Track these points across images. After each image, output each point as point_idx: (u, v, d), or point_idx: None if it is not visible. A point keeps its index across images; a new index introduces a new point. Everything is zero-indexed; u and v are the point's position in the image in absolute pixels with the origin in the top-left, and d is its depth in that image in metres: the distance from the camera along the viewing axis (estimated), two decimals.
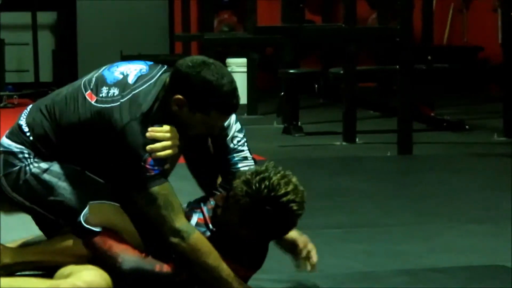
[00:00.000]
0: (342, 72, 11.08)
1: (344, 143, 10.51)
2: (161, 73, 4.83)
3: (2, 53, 14.71)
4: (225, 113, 4.92)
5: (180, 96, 4.65)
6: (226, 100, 4.81)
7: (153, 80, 4.85)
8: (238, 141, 5.25)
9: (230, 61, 14.98)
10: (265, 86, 15.43)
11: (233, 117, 5.19)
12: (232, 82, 4.83)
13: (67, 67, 15.64)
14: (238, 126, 5.23)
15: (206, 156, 5.30)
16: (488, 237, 6.95)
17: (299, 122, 12.21)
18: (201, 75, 4.69)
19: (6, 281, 4.96)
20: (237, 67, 15.25)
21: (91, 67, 15.28)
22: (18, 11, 15.10)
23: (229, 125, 5.20)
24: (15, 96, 14.21)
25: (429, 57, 11.72)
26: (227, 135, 5.21)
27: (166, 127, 4.77)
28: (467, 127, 11.51)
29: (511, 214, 7.42)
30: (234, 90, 4.83)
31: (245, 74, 14.97)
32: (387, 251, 6.22)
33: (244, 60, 14.92)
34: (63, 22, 15.79)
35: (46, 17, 15.53)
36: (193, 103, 4.75)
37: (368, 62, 12.85)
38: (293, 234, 4.98)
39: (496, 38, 14.53)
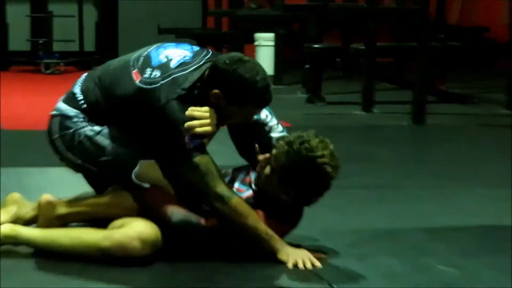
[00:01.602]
0: (362, 48, 10.99)
1: (362, 113, 10.51)
2: (202, 63, 5.07)
3: (50, 24, 14.73)
4: (259, 106, 5.16)
5: (217, 91, 4.92)
6: (260, 95, 5.05)
7: (193, 68, 5.05)
8: (270, 118, 5.43)
9: (259, 35, 14.92)
10: (290, 59, 15.35)
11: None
12: (266, 78, 5.06)
13: (109, 38, 15.69)
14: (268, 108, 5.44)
15: (245, 130, 5.39)
16: (499, 201, 6.85)
17: (321, 93, 12.21)
18: (238, 72, 4.95)
19: (63, 230, 5.08)
20: (265, 41, 15.20)
21: (131, 38, 15.50)
22: None
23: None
24: (61, 63, 14.29)
25: (442, 36, 11.67)
26: (262, 118, 5.41)
27: (205, 108, 4.98)
28: (475, 100, 11.47)
29: None
30: (267, 86, 5.06)
31: (272, 48, 14.96)
32: (408, 211, 6.29)
33: (271, 35, 14.86)
34: None
35: None
36: (230, 97, 4.99)
37: (386, 39, 12.74)
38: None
39: (500, 19, 14.51)
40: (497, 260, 5.22)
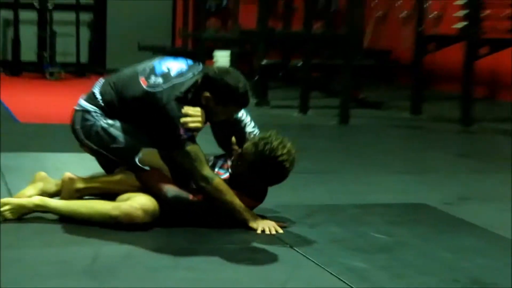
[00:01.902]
0: (300, 64, 11.01)
1: (300, 114, 10.49)
2: (195, 74, 5.19)
3: (54, 40, 14.64)
4: (240, 107, 5.33)
5: (208, 94, 5.08)
6: (241, 98, 5.22)
7: (188, 77, 5.16)
8: (245, 116, 5.52)
9: (217, 53, 14.42)
10: (243, 72, 15.06)
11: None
12: (246, 85, 5.19)
13: (99, 52, 15.61)
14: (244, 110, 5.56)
15: (224, 126, 5.49)
16: (413, 184, 6.93)
17: (267, 98, 12.21)
18: (224, 80, 5.10)
19: (81, 202, 5.19)
20: (222, 58, 14.78)
21: (116, 53, 15.30)
22: (67, 11, 15.00)
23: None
24: (62, 72, 14.19)
25: (359, 56, 11.76)
26: (239, 116, 5.51)
27: (197, 108, 5.09)
28: (385, 106, 11.53)
29: (426, 167, 7.77)
30: (246, 91, 5.22)
31: (229, 63, 14.41)
32: (344, 190, 6.33)
33: (228, 53, 14.48)
34: (97, 20, 15.61)
35: (85, 16, 15.33)
36: (217, 99, 5.16)
37: (318, 56, 12.72)
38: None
39: (402, 44, 14.54)
40: (416, 229, 5.36)
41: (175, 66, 5.28)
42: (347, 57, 10.09)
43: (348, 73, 10.01)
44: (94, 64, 15.02)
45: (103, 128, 5.19)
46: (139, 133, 5.25)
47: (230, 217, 5.10)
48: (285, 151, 4.98)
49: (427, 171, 7.58)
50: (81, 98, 5.41)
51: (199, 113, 5.05)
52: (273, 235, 4.98)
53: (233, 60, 14.59)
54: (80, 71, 14.42)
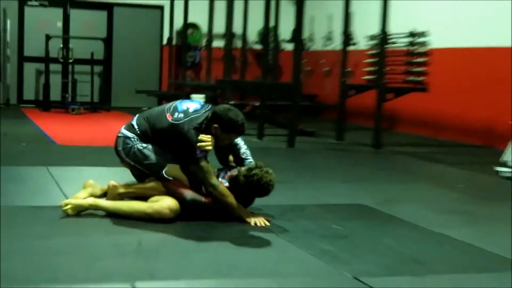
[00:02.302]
0: (258, 104, 10.96)
1: (258, 140, 10.30)
2: (206, 111, 5.22)
3: (75, 85, 14.45)
4: (239, 134, 5.38)
5: (216, 125, 5.12)
6: (240, 128, 5.27)
7: (201, 112, 5.20)
8: (240, 141, 5.52)
9: (194, 96, 14.09)
10: None
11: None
12: (243, 119, 5.27)
13: (106, 94, 15.35)
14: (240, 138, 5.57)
15: (224, 148, 5.46)
16: (350, 189, 6.86)
17: None
18: (228, 115, 5.19)
19: (122, 202, 5.23)
20: (198, 99, 14.12)
21: (119, 95, 14.89)
22: (84, 64, 14.73)
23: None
24: (81, 108, 13.98)
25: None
26: (236, 142, 5.50)
27: (208, 136, 5.12)
28: (317, 134, 11.46)
29: (356, 177, 7.61)
30: (243, 123, 5.26)
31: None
32: (302, 194, 6.27)
33: (203, 96, 13.86)
34: (105, 71, 15.40)
35: (97, 68, 15.09)
36: (223, 129, 5.19)
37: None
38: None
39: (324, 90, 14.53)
40: (362, 222, 5.42)
41: (191, 105, 5.33)
42: (294, 99, 10.03)
43: (294, 111, 9.93)
44: (103, 103, 14.78)
45: (139, 149, 5.25)
46: (164, 153, 5.27)
47: (231, 214, 5.11)
48: (268, 178, 5.03)
49: (357, 180, 7.46)
50: (122, 128, 5.46)
51: (210, 139, 5.09)
52: (263, 226, 5.02)
53: (206, 101, 14.08)
54: (93, 108, 14.16)
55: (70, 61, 14.48)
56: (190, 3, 14.73)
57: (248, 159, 5.49)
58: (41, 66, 14.57)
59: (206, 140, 5.10)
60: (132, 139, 5.29)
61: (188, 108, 5.28)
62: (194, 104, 5.39)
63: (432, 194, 6.80)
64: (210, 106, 5.45)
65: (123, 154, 5.32)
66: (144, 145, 5.27)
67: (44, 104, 14.20)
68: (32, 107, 14.30)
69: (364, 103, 11.70)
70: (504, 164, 7.84)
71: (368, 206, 5.92)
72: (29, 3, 14.65)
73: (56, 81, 14.53)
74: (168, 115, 5.29)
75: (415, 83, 11.13)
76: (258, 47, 16.03)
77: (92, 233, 4.58)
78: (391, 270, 4.05)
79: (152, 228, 4.75)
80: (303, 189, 6.53)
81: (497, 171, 7.71)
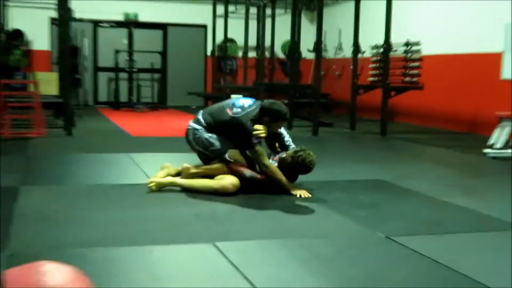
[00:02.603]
0: (286, 101, 10.81)
1: (288, 130, 10.14)
2: (258, 106, 5.14)
3: (139, 89, 14.49)
4: (284, 121, 5.36)
5: (266, 117, 5.09)
6: (284, 116, 5.25)
7: (254, 107, 5.13)
8: (284, 131, 5.46)
9: (233, 96, 13.94)
10: None
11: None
12: (286, 108, 5.27)
13: (163, 96, 15.28)
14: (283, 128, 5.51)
15: (272, 138, 5.37)
16: (369, 168, 6.68)
17: None
18: (273, 107, 5.20)
19: (195, 180, 5.18)
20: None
21: (173, 96, 14.69)
22: (146, 73, 14.76)
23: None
24: (144, 108, 13.98)
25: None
26: (281, 131, 5.39)
27: (261, 126, 5.06)
28: (334, 125, 11.28)
29: (372, 159, 7.45)
30: (287, 113, 5.26)
31: None
32: (332, 172, 6.15)
33: (241, 96, 13.78)
34: (162, 77, 15.39)
35: (156, 75, 15.19)
36: (271, 119, 5.09)
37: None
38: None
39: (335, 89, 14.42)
40: (384, 194, 5.32)
41: (246, 102, 5.29)
42: (316, 97, 9.97)
43: (316, 106, 9.88)
44: (161, 102, 14.89)
45: (205, 138, 5.21)
46: (226, 140, 5.21)
47: (280, 187, 5.05)
48: (310, 158, 4.99)
49: (373, 161, 7.31)
50: (190, 122, 5.44)
51: (263, 129, 5.05)
52: (305, 198, 4.96)
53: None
54: (153, 107, 14.17)
55: (134, 70, 14.51)
56: (222, 22, 14.85)
57: (291, 145, 5.43)
58: (111, 74, 14.65)
59: (260, 129, 5.07)
60: (200, 130, 5.28)
61: (244, 104, 5.25)
62: (248, 100, 5.34)
63: (434, 171, 6.70)
64: (259, 101, 5.40)
65: (194, 143, 5.30)
66: (210, 134, 5.25)
67: (115, 105, 14.27)
68: (105, 107, 14.31)
69: (370, 100, 11.67)
70: (491, 147, 7.79)
71: (386, 181, 5.86)
72: (101, 25, 14.73)
73: (123, 86, 14.61)
74: (228, 110, 5.27)
75: (411, 83, 11.09)
76: (282, 56, 16.07)
77: (174, 204, 4.59)
78: (414, 231, 4.04)
79: (220, 200, 4.74)
80: (331, 168, 6.37)
81: (485, 153, 7.63)
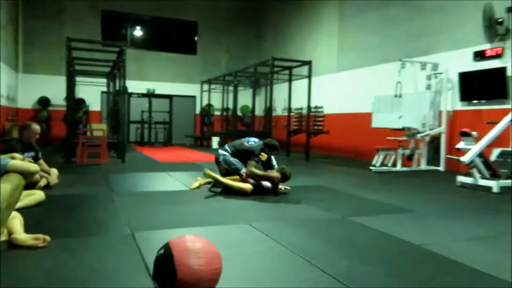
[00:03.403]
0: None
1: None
2: (262, 142, 5.16)
3: (156, 133, 13.98)
4: (276, 151, 5.19)
5: (266, 148, 5.03)
6: (277, 148, 5.16)
7: (260, 143, 5.16)
8: (273, 160, 5.32)
9: (213, 138, 13.85)
10: None
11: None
12: (278, 144, 5.18)
13: (169, 136, 14.74)
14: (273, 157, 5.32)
15: (267, 161, 5.22)
16: (310, 179, 6.31)
17: None
18: (271, 143, 5.15)
19: (226, 181, 4.85)
20: (215, 139, 13.81)
21: (176, 137, 14.05)
22: (159, 124, 14.22)
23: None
24: (159, 145, 13.52)
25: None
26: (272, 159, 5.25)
27: (264, 154, 5.04)
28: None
29: (307, 173, 7.08)
30: (278, 146, 5.18)
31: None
32: (314, 179, 5.88)
33: (218, 138, 13.68)
34: (169, 126, 14.82)
35: (165, 125, 14.63)
36: (269, 149, 5.09)
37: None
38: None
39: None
40: (327, 194, 5.10)
41: (256, 140, 5.28)
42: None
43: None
44: (168, 141, 14.49)
45: (230, 161, 5.18)
46: (241, 163, 5.13)
47: (268, 180, 4.82)
48: (289, 172, 4.91)
49: (308, 175, 6.80)
50: (220, 150, 5.33)
51: (265, 155, 5.08)
52: (287, 193, 4.81)
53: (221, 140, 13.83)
54: (164, 144, 13.89)
55: (152, 122, 14.22)
56: (206, 94, 14.79)
57: (275, 165, 5.30)
58: (139, 125, 14.18)
59: (263, 155, 5.09)
60: (227, 155, 5.24)
61: (255, 141, 5.27)
62: (256, 139, 5.33)
63: (346, 180, 6.47)
64: (262, 140, 5.33)
65: (223, 163, 5.23)
66: (233, 159, 5.20)
67: (141, 143, 13.92)
68: (135, 144, 13.87)
69: (297, 140, 11.59)
70: (374, 166, 8.04)
71: (323, 185, 5.70)
72: (132, 96, 14.11)
73: (146, 132, 14.23)
74: (245, 143, 5.26)
75: (320, 130, 11.32)
76: (240, 114, 16.16)
77: (213, 202, 4.41)
78: (357, 213, 3.93)
79: (241, 198, 4.56)
80: (311, 179, 6.28)
81: (370, 169, 7.84)
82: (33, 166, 2.79)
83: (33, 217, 3.26)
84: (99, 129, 10.53)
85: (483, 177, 5.62)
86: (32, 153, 4.79)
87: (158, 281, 1.99)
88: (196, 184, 5.07)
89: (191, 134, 15.47)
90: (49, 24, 13.67)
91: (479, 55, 7.42)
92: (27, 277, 2.20)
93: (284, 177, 4.95)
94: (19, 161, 2.78)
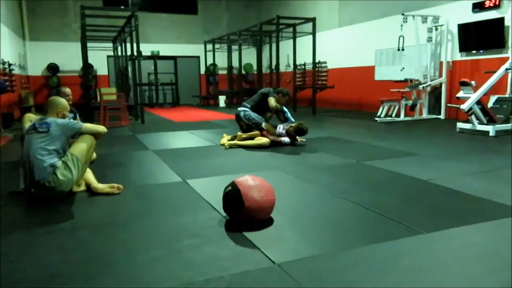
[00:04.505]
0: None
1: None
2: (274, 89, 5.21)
3: (165, 95, 14.09)
4: (287, 96, 5.32)
5: (279, 94, 5.24)
6: (287, 93, 5.33)
7: (273, 90, 5.27)
8: (286, 110, 5.47)
9: (220, 96, 14.41)
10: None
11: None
12: (288, 91, 5.26)
13: (177, 98, 14.80)
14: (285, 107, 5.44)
15: (281, 111, 5.43)
16: (320, 130, 6.45)
17: None
18: (283, 90, 5.31)
19: (245, 141, 5.11)
20: (222, 98, 14.16)
21: (183, 98, 14.22)
22: (166, 85, 14.27)
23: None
24: (168, 105, 13.69)
25: None
26: (284, 109, 5.42)
27: (278, 97, 5.21)
28: None
29: (317, 125, 7.14)
30: (289, 92, 5.33)
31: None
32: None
33: (224, 96, 14.15)
34: (176, 87, 14.70)
35: (173, 86, 14.65)
36: (282, 95, 5.26)
37: None
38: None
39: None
40: (335, 144, 5.35)
41: (269, 87, 5.41)
42: None
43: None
44: (176, 102, 14.65)
45: (250, 115, 5.31)
46: (261, 117, 5.31)
47: (290, 136, 5.10)
48: (307, 126, 5.06)
49: (317, 128, 6.83)
50: (240, 107, 5.38)
51: (281, 99, 5.31)
52: (304, 144, 5.03)
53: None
54: (173, 105, 14.12)
55: (159, 84, 14.42)
56: (211, 54, 14.93)
57: (290, 117, 5.50)
58: (146, 87, 14.32)
59: (279, 98, 5.31)
60: (248, 111, 5.39)
61: (267, 89, 5.45)
62: (269, 88, 5.53)
63: (352, 130, 6.62)
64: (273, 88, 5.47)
65: (244, 118, 5.39)
66: (254, 114, 5.37)
67: (150, 105, 14.17)
68: (144, 106, 13.90)
69: (303, 95, 11.75)
70: (379, 116, 8.47)
71: (334, 137, 5.85)
72: (134, 58, 14.41)
73: (154, 93, 14.46)
74: (259, 92, 5.45)
75: (325, 85, 11.63)
76: (243, 72, 16.37)
77: (239, 155, 4.63)
78: (369, 159, 4.24)
79: (260, 151, 4.77)
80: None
81: (376, 120, 8.17)
82: (102, 128, 3.26)
83: (95, 173, 3.54)
84: (111, 93, 10.88)
85: (481, 123, 6.10)
86: (71, 115, 5.14)
87: (228, 211, 2.45)
88: (224, 141, 5.29)
89: (197, 94, 15.66)
90: None
91: (478, 6, 7.67)
92: (115, 214, 2.68)
93: (302, 131, 5.20)
94: (90, 124, 3.27)
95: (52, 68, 13.68)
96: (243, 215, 2.35)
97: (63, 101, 3.30)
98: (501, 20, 7.24)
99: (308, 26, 10.40)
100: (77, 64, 13.19)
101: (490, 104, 6.61)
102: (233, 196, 2.37)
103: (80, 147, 3.04)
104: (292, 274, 1.76)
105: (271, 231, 2.30)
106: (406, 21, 8.11)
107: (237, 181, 2.48)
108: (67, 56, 13.56)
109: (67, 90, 4.93)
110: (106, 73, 14.46)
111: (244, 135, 5.28)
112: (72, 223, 2.49)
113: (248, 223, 2.34)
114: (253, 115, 5.41)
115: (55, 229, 2.39)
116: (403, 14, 8.21)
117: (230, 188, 2.43)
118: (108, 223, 2.50)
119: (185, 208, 2.76)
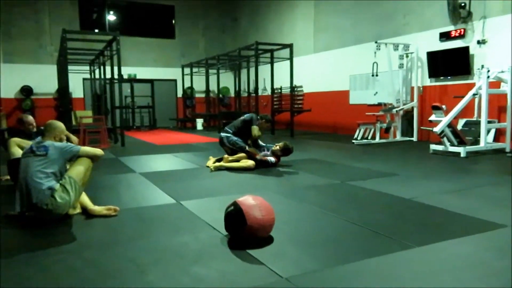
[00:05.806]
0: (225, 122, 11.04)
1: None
2: (257, 116, 5.27)
3: (141, 118, 14.01)
4: (269, 122, 5.40)
5: (263, 120, 5.27)
6: (270, 120, 5.43)
7: (256, 115, 5.25)
8: (260, 141, 5.51)
9: (197, 119, 14.48)
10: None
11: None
12: (270, 117, 5.34)
13: (154, 121, 14.67)
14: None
15: (255, 141, 5.49)
16: (301, 154, 6.43)
17: None
18: (266, 117, 5.36)
19: (231, 163, 5.11)
20: (199, 121, 14.21)
21: (160, 121, 14.18)
22: (143, 109, 14.22)
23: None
24: (146, 129, 13.63)
25: None
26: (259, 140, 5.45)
27: (262, 124, 5.21)
28: None
29: (296, 148, 7.15)
30: (271, 119, 5.36)
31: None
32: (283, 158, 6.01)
33: (202, 119, 14.18)
34: (153, 111, 14.55)
35: (149, 109, 14.65)
36: (265, 121, 5.31)
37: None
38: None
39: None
40: (317, 165, 5.44)
41: (250, 114, 5.44)
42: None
43: None
44: (153, 125, 14.57)
45: (234, 140, 5.39)
46: (244, 141, 5.38)
47: (276, 156, 5.18)
48: (292, 146, 5.22)
49: (298, 150, 6.85)
50: (222, 132, 5.42)
51: (261, 124, 5.35)
52: (289, 166, 5.08)
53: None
54: (150, 128, 14.07)
55: (136, 107, 14.39)
56: (188, 78, 15.03)
57: (263, 144, 5.53)
58: (123, 110, 14.10)
59: (262, 124, 5.37)
60: (230, 136, 5.44)
61: (250, 115, 5.48)
62: (251, 114, 5.55)
63: (332, 152, 6.76)
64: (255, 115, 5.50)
65: (227, 143, 5.43)
66: (235, 137, 5.44)
67: (126, 128, 13.94)
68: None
69: (281, 118, 12.05)
70: (356, 139, 8.69)
71: (316, 158, 6.00)
72: (114, 81, 14.34)
73: (130, 116, 14.39)
74: (241, 118, 5.49)
75: (302, 108, 11.85)
76: (221, 96, 16.51)
77: (223, 177, 4.63)
78: (352, 179, 4.30)
79: (246, 173, 4.82)
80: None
81: (353, 142, 8.36)
82: (99, 151, 3.31)
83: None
84: (87, 116, 10.79)
85: (452, 144, 6.42)
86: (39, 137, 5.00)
87: (230, 230, 2.51)
88: (210, 163, 5.33)
89: (174, 117, 15.64)
90: (26, 12, 13.51)
91: (445, 36, 8.20)
92: (117, 234, 2.68)
93: (288, 151, 5.32)
94: (88, 147, 3.30)
95: (26, 91, 13.44)
96: (246, 233, 2.42)
97: (60, 124, 3.35)
98: (466, 49, 7.75)
99: (285, 52, 10.71)
100: (52, 87, 13.05)
101: (459, 127, 6.98)
102: (235, 215, 2.44)
103: (78, 170, 3.06)
104: (302, 287, 1.85)
105: (273, 247, 2.37)
106: (379, 49, 8.53)
107: (239, 201, 2.58)
108: (41, 78, 13.38)
109: (30, 118, 4.66)
110: (82, 96, 14.30)
111: (230, 158, 5.42)
112: (76, 244, 2.50)
113: (249, 241, 2.40)
114: (236, 139, 5.46)
115: (61, 250, 2.40)
116: (376, 42, 8.65)
117: (232, 207, 2.50)
118: (112, 242, 2.51)
119: (184, 228, 2.80)
